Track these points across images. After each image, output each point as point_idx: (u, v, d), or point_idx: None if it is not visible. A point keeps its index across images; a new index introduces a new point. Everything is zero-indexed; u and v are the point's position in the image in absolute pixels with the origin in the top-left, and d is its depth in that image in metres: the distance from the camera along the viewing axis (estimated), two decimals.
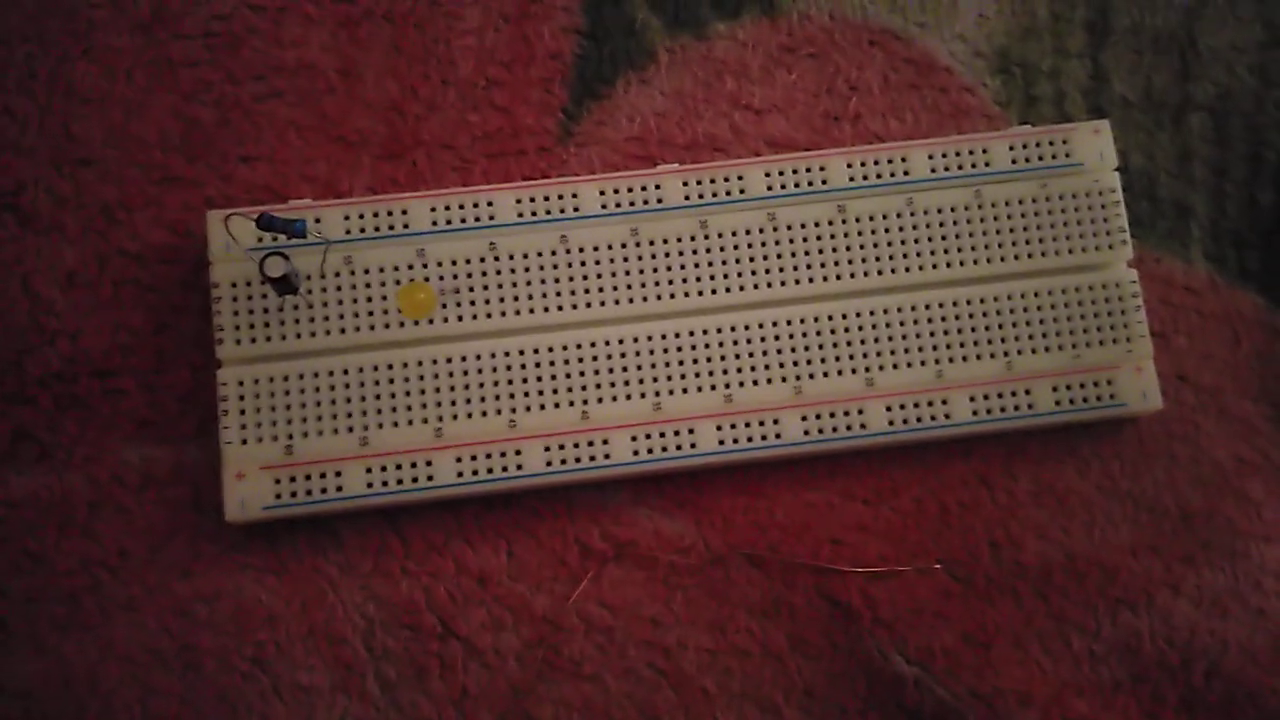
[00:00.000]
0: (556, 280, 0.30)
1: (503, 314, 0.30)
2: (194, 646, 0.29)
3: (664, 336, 0.30)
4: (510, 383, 0.30)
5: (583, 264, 0.30)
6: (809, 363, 0.30)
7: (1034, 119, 0.33)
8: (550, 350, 0.30)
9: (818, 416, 0.30)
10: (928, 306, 0.30)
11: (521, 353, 0.30)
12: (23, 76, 0.31)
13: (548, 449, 0.29)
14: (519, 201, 0.30)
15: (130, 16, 0.32)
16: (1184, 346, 0.32)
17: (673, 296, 0.30)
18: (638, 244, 0.30)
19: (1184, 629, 0.30)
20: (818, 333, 0.30)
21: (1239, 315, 0.32)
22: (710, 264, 0.30)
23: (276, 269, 0.27)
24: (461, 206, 0.30)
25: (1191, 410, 0.32)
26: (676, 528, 0.31)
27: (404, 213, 0.30)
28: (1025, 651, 0.30)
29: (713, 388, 0.30)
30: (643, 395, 0.30)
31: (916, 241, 0.31)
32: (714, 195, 0.31)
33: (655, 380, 0.30)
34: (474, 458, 0.29)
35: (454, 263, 0.30)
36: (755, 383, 0.30)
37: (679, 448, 0.30)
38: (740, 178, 0.31)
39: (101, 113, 0.31)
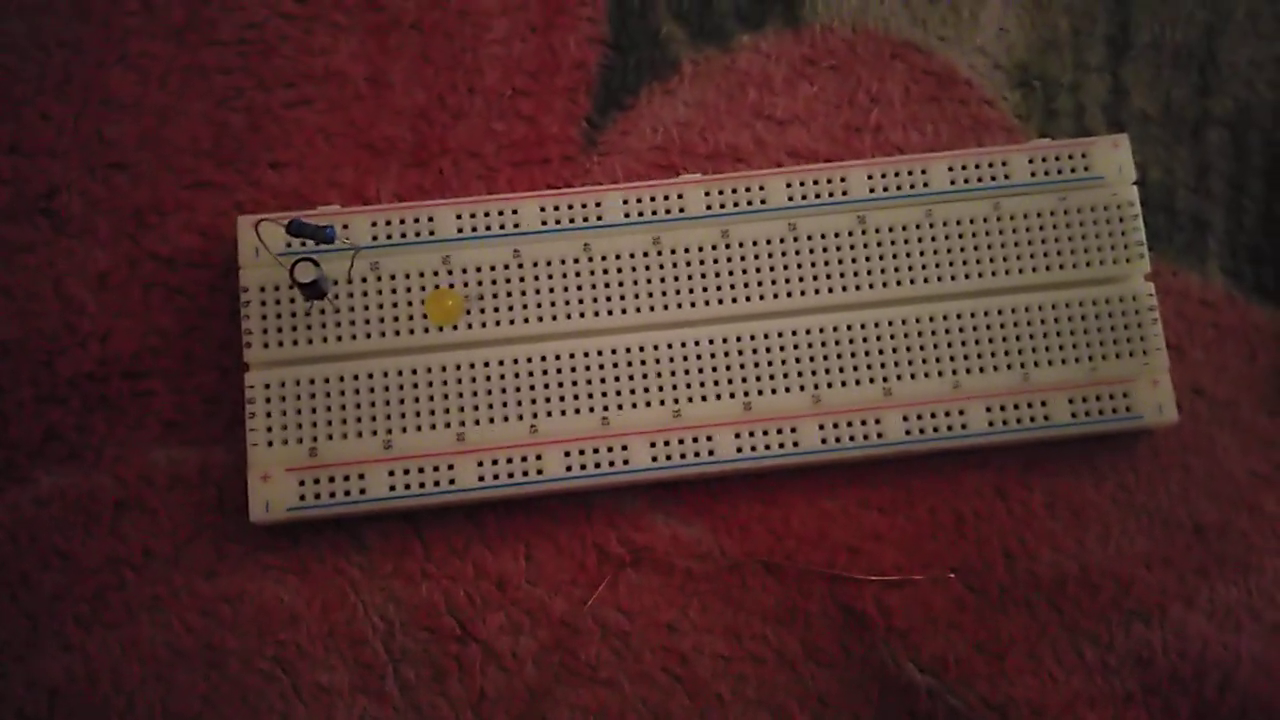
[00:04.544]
0: (579, 288, 0.30)
1: (525, 320, 0.30)
2: (217, 646, 0.30)
3: (684, 344, 0.30)
4: (532, 388, 0.30)
5: (605, 272, 0.31)
6: (827, 372, 0.30)
7: (1054, 132, 0.33)
8: (572, 356, 0.30)
9: (835, 425, 0.30)
10: (945, 317, 0.31)
11: (544, 359, 0.30)
12: (58, 81, 0.32)
13: (568, 454, 0.30)
14: (543, 210, 0.31)
15: (164, 23, 0.32)
16: (1200, 360, 0.32)
17: (693, 305, 0.31)
18: (659, 253, 0.31)
19: (1197, 642, 0.31)
20: (836, 342, 0.31)
21: (1255, 329, 0.33)
22: (731, 273, 0.31)
23: (307, 274, 0.28)
24: (487, 214, 0.31)
25: (1207, 423, 0.32)
26: (693, 534, 0.31)
27: (430, 220, 0.30)
28: (1038, 662, 0.30)
29: (732, 395, 0.30)
30: (662, 402, 0.30)
31: (935, 253, 0.31)
32: (735, 205, 0.31)
33: (675, 387, 0.30)
34: (495, 462, 0.30)
35: (479, 269, 0.30)
36: (774, 391, 0.30)
37: (698, 455, 0.30)
38: (761, 188, 0.31)
39: (135, 118, 0.32)
